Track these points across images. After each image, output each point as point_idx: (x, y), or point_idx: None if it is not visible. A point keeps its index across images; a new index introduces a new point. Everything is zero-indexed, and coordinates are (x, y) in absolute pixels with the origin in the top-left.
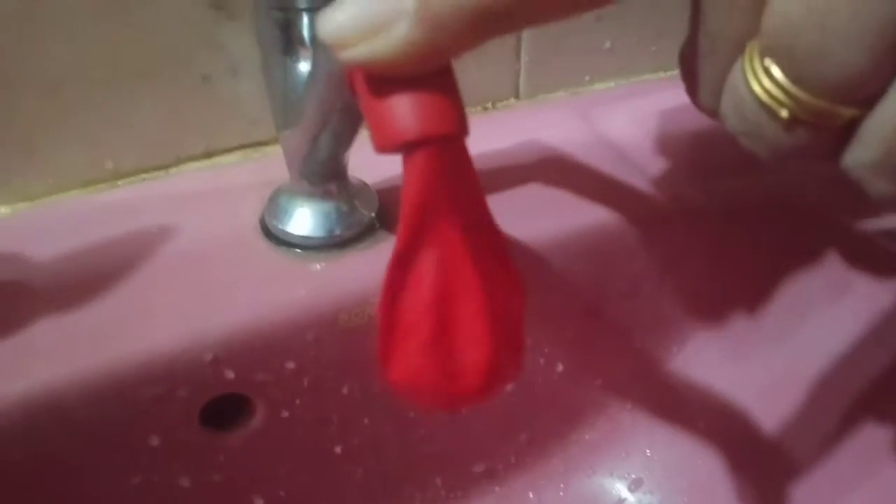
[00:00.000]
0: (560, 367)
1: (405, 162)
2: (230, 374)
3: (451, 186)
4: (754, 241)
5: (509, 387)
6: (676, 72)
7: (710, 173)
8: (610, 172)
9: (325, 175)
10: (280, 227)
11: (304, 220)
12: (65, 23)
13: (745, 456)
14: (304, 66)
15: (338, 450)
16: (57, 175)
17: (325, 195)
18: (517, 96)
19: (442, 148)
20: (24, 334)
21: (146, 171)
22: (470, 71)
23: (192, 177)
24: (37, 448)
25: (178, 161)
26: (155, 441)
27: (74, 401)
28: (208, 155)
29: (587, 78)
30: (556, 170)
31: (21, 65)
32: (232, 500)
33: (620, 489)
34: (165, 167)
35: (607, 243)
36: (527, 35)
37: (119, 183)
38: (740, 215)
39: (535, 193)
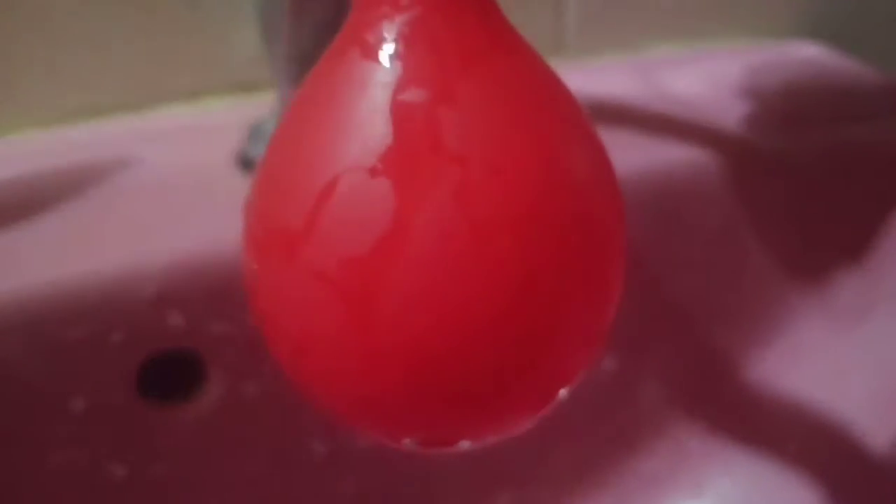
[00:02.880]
0: (611, 366)
1: None
2: (177, 320)
3: None
4: (856, 201)
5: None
6: (750, 39)
7: (796, 124)
8: (675, 119)
9: None
10: (260, 152)
11: None
12: None
13: (851, 489)
14: None
15: (321, 449)
16: (8, 111)
17: None
18: (562, 55)
19: None
20: None
21: (117, 110)
22: None
23: (168, 115)
24: None
25: (156, 101)
26: (80, 404)
27: None
28: (193, 95)
29: (643, 38)
30: (609, 115)
31: None
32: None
33: None
34: (138, 107)
35: (674, 193)
36: None
37: (82, 125)
38: (840, 168)
39: None
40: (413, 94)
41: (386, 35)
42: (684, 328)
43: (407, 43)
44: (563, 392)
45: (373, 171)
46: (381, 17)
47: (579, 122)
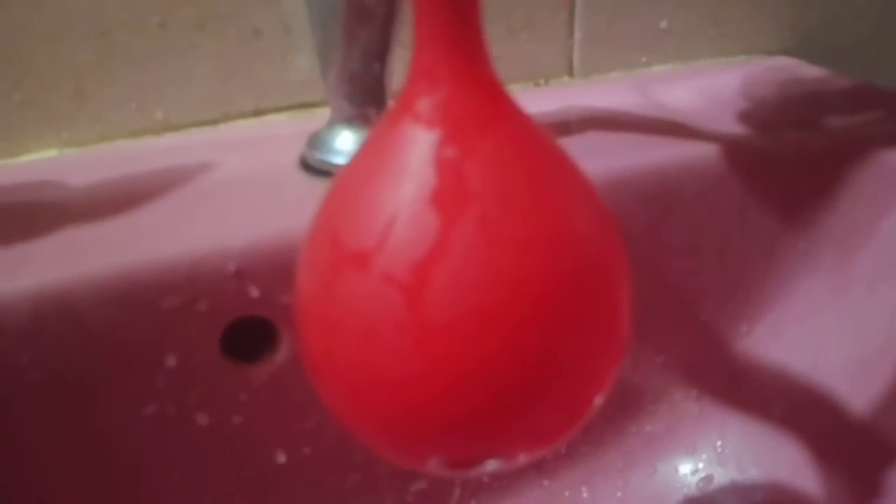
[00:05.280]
0: None
1: None
2: (254, 292)
3: None
4: (832, 193)
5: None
6: (739, 58)
7: (775, 125)
8: (670, 123)
9: (363, 95)
10: (318, 156)
11: (342, 147)
12: None
13: (831, 446)
14: None
15: None
16: (106, 123)
17: (363, 121)
18: (571, 74)
19: None
20: (43, 240)
21: (195, 125)
22: (522, 43)
23: (239, 129)
24: (45, 354)
25: (228, 117)
26: (172, 361)
27: (86, 303)
28: (258, 113)
29: (644, 59)
30: (609, 121)
31: (74, 11)
32: (253, 450)
33: (688, 487)
34: (214, 122)
35: (666, 188)
36: (580, 10)
37: (167, 135)
38: (813, 164)
39: (584, 139)
40: (448, 151)
41: (428, 107)
42: (679, 306)
43: (443, 114)
44: (597, 400)
45: (424, 204)
46: (423, 92)
47: (567, 165)
